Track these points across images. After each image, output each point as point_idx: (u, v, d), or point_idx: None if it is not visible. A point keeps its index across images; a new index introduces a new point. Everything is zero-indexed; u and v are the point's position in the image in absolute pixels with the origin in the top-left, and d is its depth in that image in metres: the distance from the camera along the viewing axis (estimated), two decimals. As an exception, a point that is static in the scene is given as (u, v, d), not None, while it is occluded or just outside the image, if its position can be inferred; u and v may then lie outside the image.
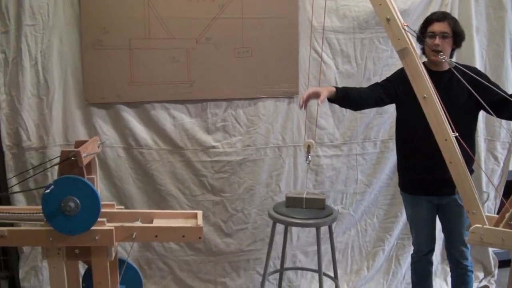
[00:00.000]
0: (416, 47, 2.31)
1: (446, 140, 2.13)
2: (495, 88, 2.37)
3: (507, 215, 2.06)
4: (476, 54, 3.38)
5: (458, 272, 2.83)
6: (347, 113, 3.28)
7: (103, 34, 2.94)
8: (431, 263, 2.91)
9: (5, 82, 2.96)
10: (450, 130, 2.13)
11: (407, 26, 2.17)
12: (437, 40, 2.54)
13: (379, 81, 2.84)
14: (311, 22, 3.06)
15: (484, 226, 2.09)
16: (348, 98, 2.59)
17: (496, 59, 3.44)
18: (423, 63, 2.41)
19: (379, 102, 2.71)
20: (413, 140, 2.67)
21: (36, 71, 2.96)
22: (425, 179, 2.67)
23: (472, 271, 2.83)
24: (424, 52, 2.71)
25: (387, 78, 2.79)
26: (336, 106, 3.11)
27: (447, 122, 2.13)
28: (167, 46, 2.99)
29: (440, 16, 2.62)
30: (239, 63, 3.07)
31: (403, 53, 2.17)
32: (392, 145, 3.29)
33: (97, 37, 2.94)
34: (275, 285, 3.30)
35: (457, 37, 2.60)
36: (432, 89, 2.14)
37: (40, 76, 2.97)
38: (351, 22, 3.19)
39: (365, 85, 3.02)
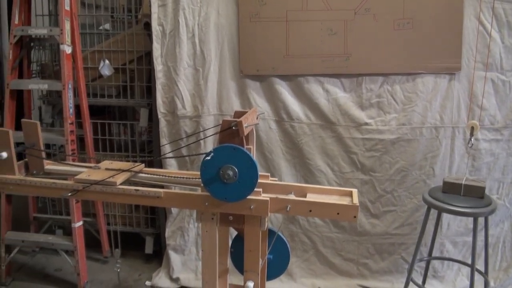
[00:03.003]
0: None
1: None
2: None
3: None
4: None
5: None
6: (511, 92, 2.97)
7: (260, 6, 2.96)
8: None
9: (162, 53, 3.12)
10: None
11: None
12: None
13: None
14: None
15: None
16: None
17: None
18: None
19: None
20: None
21: (193, 43, 3.08)
22: None
23: None
24: None
25: None
26: (500, 83, 2.91)
27: None
28: (324, 17, 2.93)
29: None
30: (398, 35, 2.90)
31: None
32: (557, 131, 2.97)
33: (255, 9, 2.97)
34: (419, 273, 3.18)
35: None
36: None
37: (197, 48, 3.08)
38: (520, -11, 2.88)
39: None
